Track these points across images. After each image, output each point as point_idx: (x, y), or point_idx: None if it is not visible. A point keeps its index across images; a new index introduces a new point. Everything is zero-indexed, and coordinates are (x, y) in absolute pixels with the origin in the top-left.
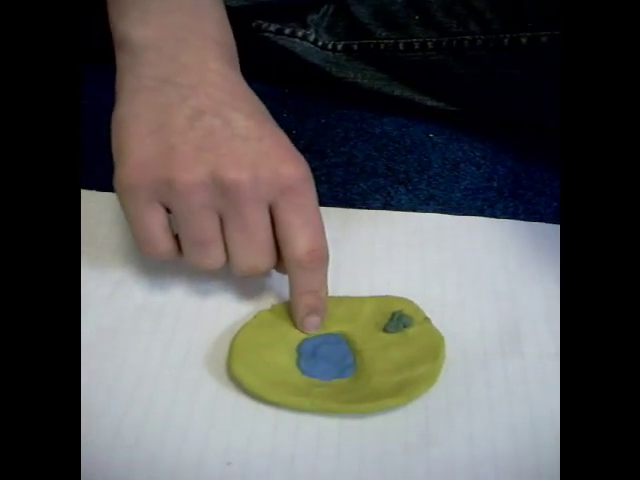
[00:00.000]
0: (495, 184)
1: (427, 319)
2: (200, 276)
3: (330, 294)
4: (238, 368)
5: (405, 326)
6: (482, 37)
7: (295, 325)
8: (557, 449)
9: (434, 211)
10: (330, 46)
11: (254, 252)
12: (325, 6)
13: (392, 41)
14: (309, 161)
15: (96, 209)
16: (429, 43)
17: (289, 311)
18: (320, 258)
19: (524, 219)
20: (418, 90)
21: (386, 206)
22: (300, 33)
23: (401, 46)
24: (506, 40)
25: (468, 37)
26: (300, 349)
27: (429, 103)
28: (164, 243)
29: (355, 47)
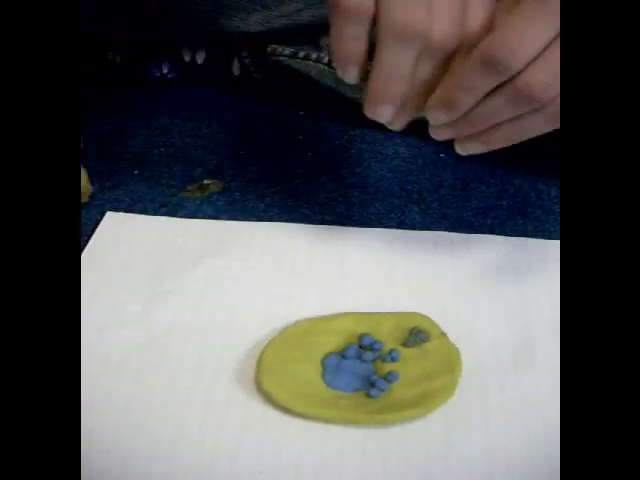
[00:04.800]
0: (504, 203)
1: (443, 334)
2: (227, 297)
3: (350, 310)
4: (267, 382)
5: (423, 341)
6: None
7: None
8: None
9: (447, 229)
10: None
11: None
12: None
13: None
14: (326, 182)
15: (123, 231)
16: None
17: (313, 327)
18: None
19: (533, 236)
20: None
21: (400, 225)
22: (314, 56)
23: None
24: None
25: None
26: (324, 363)
27: None
28: None
29: (368, 67)
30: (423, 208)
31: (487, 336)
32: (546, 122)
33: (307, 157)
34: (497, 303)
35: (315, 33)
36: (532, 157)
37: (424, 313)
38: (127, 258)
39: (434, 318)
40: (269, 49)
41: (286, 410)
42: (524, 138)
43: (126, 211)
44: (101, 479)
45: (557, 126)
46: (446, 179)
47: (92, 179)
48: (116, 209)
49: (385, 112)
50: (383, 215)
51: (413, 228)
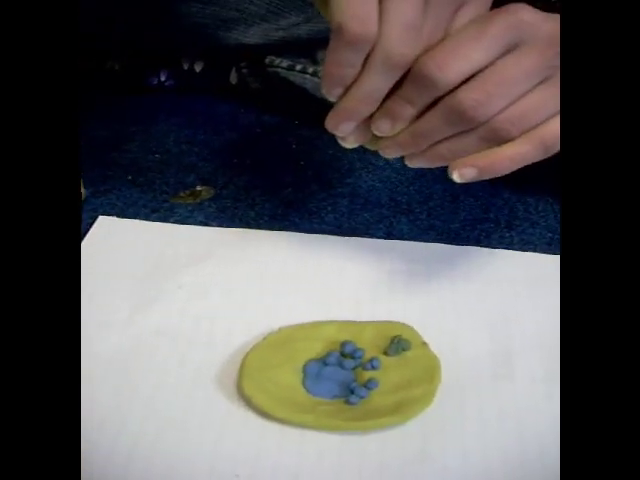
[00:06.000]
0: (492, 215)
1: (425, 343)
2: (213, 303)
3: (334, 319)
4: (248, 387)
5: (404, 350)
6: None
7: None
8: (544, 466)
9: (434, 240)
10: None
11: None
12: None
13: None
14: (316, 191)
15: (115, 235)
16: None
17: (296, 334)
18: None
19: (519, 249)
20: None
21: (388, 235)
22: (310, 69)
23: None
24: None
25: None
26: (305, 369)
27: None
28: (374, 22)
29: None
30: (411, 219)
31: (468, 347)
32: (479, 143)
33: (299, 166)
34: (480, 314)
35: (312, 47)
36: (521, 171)
37: (407, 323)
38: (117, 262)
39: (417, 328)
40: (267, 60)
41: (266, 415)
42: (460, 156)
43: (118, 216)
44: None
45: (490, 147)
46: (435, 191)
47: (86, 183)
48: (108, 213)
49: (347, 128)
50: (371, 225)
51: (401, 238)
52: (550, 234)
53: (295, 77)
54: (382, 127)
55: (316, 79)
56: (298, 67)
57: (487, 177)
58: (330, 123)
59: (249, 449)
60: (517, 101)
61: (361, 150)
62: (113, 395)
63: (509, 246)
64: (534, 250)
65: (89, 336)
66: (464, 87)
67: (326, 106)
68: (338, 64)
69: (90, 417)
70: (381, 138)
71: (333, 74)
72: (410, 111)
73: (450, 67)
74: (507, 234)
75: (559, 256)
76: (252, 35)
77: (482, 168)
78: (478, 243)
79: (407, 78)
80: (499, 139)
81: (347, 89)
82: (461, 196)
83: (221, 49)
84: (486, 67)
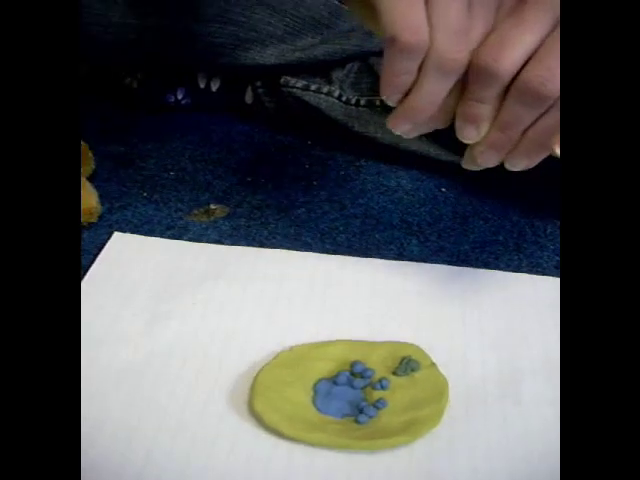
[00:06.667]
0: (501, 238)
1: (433, 364)
2: (226, 320)
3: (345, 338)
4: (259, 404)
5: (413, 370)
6: None
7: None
8: None
9: (444, 262)
10: (353, 101)
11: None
12: (350, 64)
13: None
14: (329, 212)
15: (129, 251)
16: None
17: (307, 353)
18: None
19: (527, 272)
20: (436, 143)
21: (399, 256)
22: (325, 89)
23: None
24: None
25: None
26: (316, 388)
27: (444, 157)
28: (425, 31)
29: (377, 102)
30: (422, 240)
31: (476, 368)
32: None
33: (312, 186)
34: (488, 336)
35: (328, 67)
36: (530, 194)
37: (417, 343)
38: (131, 278)
39: (426, 348)
40: (282, 80)
41: (276, 432)
42: (554, 135)
43: (133, 232)
44: None
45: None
46: (446, 213)
47: (102, 199)
48: (123, 230)
49: (406, 128)
50: (383, 246)
51: (411, 260)
52: (558, 257)
53: (310, 97)
54: (469, 134)
55: (330, 98)
56: (313, 87)
57: None
58: (391, 123)
59: (259, 466)
60: None
61: (374, 171)
62: (125, 410)
63: (517, 269)
64: (542, 273)
65: (102, 351)
66: (526, 69)
67: (339, 126)
68: (395, 73)
69: (101, 431)
70: (474, 152)
71: (391, 82)
72: (485, 109)
73: (505, 55)
74: (516, 257)
75: None
76: (269, 55)
77: None
78: (487, 265)
79: (469, 79)
80: None
81: (405, 94)
82: (470, 218)
83: (238, 69)
84: (538, 47)
